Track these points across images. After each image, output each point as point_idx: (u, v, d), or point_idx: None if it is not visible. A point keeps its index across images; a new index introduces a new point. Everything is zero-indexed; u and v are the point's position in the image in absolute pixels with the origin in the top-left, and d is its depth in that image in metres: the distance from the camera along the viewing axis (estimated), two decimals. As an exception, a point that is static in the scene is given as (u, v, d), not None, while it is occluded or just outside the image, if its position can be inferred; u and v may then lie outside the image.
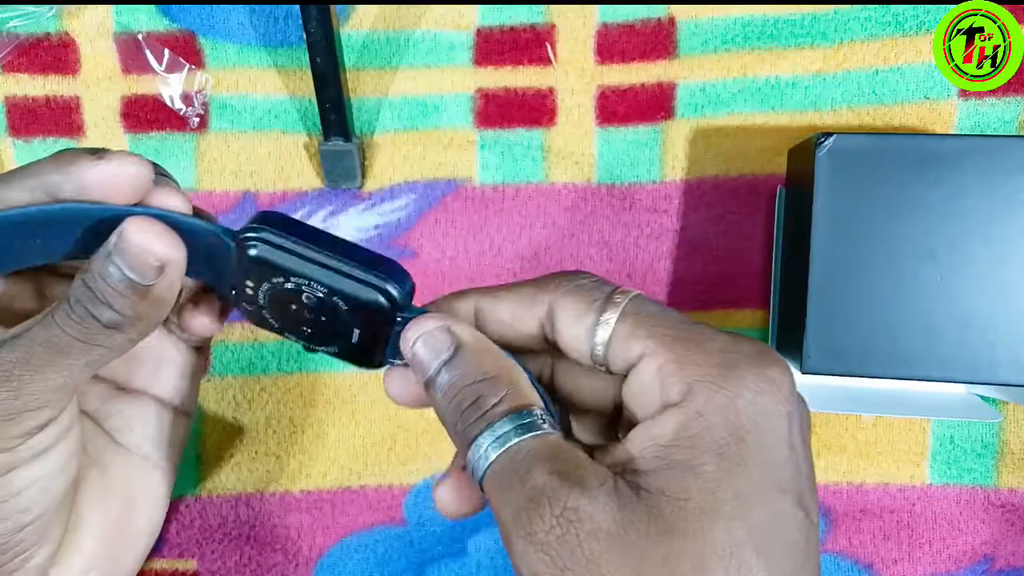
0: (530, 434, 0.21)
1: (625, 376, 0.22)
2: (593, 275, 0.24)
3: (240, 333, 0.47)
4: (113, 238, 0.22)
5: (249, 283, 0.24)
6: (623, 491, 0.19)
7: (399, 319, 0.24)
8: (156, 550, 0.48)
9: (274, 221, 0.24)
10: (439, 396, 0.22)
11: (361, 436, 0.48)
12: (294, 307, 0.24)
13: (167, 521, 0.48)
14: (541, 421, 0.21)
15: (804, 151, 0.42)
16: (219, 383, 0.47)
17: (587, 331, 0.22)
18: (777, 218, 0.46)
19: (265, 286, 0.24)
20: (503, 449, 0.20)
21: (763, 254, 0.47)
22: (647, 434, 0.21)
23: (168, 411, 0.29)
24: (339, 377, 0.48)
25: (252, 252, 0.23)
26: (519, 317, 0.24)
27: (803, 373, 0.40)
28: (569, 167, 0.47)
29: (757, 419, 0.20)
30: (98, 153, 0.23)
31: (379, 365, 0.26)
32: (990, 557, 0.47)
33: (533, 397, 0.22)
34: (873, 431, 0.47)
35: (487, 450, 0.21)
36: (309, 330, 0.25)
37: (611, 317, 0.22)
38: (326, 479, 0.48)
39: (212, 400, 0.47)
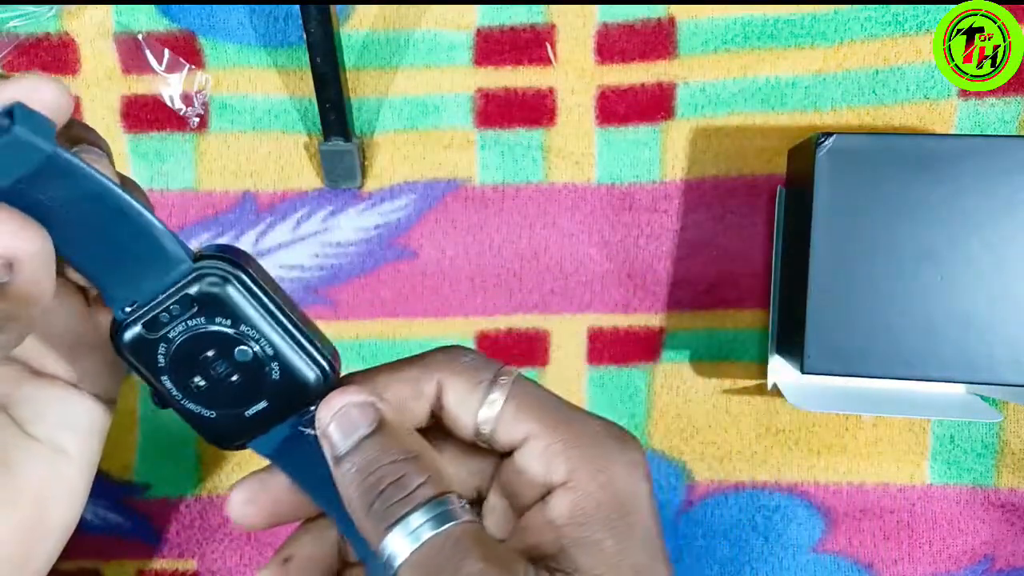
0: (455, 521, 0.20)
1: (503, 455, 0.24)
2: (474, 351, 0.24)
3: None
4: None
5: (170, 307, 0.21)
6: None
7: (313, 407, 0.22)
8: (156, 550, 0.48)
9: (241, 259, 0.22)
10: (353, 471, 0.21)
11: (361, 436, 0.48)
12: (211, 353, 0.22)
13: (167, 521, 0.48)
14: (462, 508, 0.21)
15: (804, 151, 0.42)
16: (219, 383, 0.47)
17: (474, 411, 0.23)
18: (777, 218, 0.46)
19: (195, 321, 0.21)
20: (431, 535, 0.20)
21: (763, 254, 0.47)
22: (542, 517, 0.22)
23: (87, 399, 0.26)
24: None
25: (218, 286, 0.21)
26: (408, 403, 0.23)
27: (803, 373, 0.40)
28: (569, 167, 0.47)
29: (633, 494, 0.22)
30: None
31: (237, 447, 0.23)
32: (990, 557, 0.47)
33: (452, 482, 0.22)
34: (873, 431, 0.47)
35: (411, 535, 0.20)
36: (203, 384, 0.22)
37: (498, 398, 0.23)
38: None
39: (212, 400, 0.47)
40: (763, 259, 0.47)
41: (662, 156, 0.47)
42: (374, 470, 0.21)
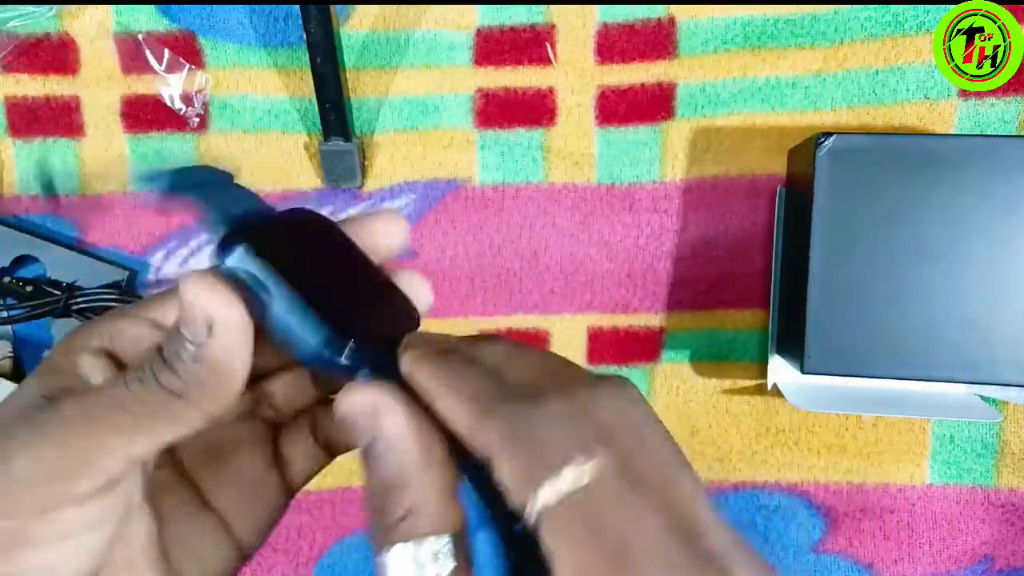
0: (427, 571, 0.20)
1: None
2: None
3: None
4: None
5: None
6: None
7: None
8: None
9: (293, 220, 0.23)
10: (374, 482, 0.21)
11: (361, 436, 0.48)
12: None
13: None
14: (439, 554, 0.20)
15: (804, 151, 0.42)
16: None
17: (527, 497, 0.19)
18: (777, 218, 0.46)
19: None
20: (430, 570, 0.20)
21: (763, 254, 0.47)
22: None
23: (233, 548, 0.25)
24: (339, 377, 0.48)
25: (225, 259, 0.21)
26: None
27: (803, 373, 0.40)
28: (569, 167, 0.47)
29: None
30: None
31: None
32: (990, 557, 0.47)
33: (440, 520, 0.20)
34: (873, 431, 0.47)
35: (413, 563, 0.20)
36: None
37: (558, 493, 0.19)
38: (326, 479, 0.48)
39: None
40: (763, 259, 0.47)
41: (662, 156, 0.47)
42: (368, 486, 0.20)
